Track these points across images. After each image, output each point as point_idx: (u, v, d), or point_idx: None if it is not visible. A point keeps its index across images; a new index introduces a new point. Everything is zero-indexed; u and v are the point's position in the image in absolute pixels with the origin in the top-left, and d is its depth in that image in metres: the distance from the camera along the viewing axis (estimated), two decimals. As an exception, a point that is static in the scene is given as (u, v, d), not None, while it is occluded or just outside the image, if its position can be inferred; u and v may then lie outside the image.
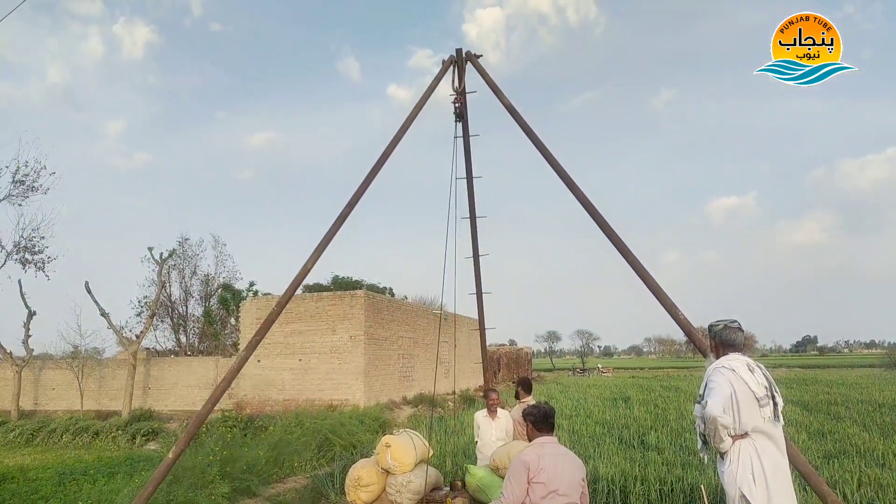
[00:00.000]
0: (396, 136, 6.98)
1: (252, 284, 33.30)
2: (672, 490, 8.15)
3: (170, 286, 31.37)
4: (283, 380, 20.92)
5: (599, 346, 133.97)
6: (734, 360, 3.70)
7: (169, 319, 32.40)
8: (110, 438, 17.83)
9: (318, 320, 20.86)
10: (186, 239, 32.92)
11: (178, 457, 5.31)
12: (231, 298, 31.56)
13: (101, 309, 22.30)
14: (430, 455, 7.04)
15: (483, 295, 8.91)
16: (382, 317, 22.06)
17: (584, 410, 17.88)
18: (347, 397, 19.91)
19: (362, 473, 6.30)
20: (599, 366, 73.68)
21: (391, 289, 39.03)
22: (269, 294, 25.96)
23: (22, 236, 23.73)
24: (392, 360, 22.66)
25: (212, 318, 32.56)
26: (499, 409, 7.53)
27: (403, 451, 6.26)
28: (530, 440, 4.52)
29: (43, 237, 24.22)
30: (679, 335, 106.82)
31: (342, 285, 33.89)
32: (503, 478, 5.61)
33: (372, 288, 32.70)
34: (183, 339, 32.92)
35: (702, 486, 7.78)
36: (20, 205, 23.69)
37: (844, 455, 10.29)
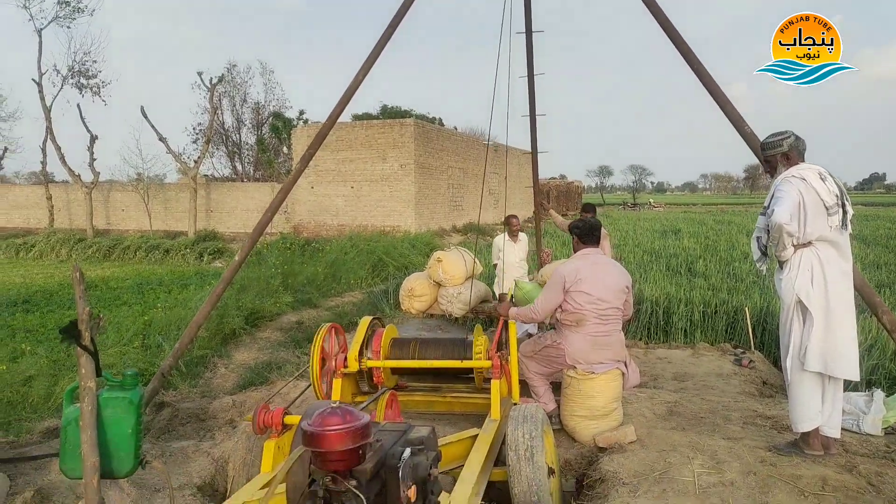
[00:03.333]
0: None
1: (302, 113, 33.25)
2: (716, 312, 8.34)
3: (222, 113, 31.60)
4: (336, 206, 21.53)
5: (652, 182, 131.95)
6: (805, 168, 3.55)
7: (224, 147, 33.06)
8: (180, 256, 19.12)
9: (368, 148, 20.91)
10: (234, 65, 32.53)
11: (245, 258, 5.66)
12: (282, 127, 31.72)
13: (158, 134, 22.82)
14: (480, 272, 7.28)
15: (536, 117, 8.61)
16: (432, 146, 21.92)
17: (632, 241, 17.94)
18: (399, 223, 20.48)
19: (415, 285, 6.58)
20: (651, 200, 72.63)
21: (440, 119, 38.38)
22: (319, 122, 25.92)
23: (75, 60, 23.94)
24: (442, 190, 22.88)
25: (265, 145, 33.03)
26: (519, 233, 7.64)
27: (454, 265, 6.46)
28: (576, 252, 4.58)
29: (95, 61, 24.41)
30: (737, 170, 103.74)
31: (391, 114, 33.45)
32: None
33: (421, 118, 32.18)
34: (238, 166, 33.78)
35: (745, 308, 7.94)
36: (69, 27, 23.67)
37: (897, 285, 10.22)
